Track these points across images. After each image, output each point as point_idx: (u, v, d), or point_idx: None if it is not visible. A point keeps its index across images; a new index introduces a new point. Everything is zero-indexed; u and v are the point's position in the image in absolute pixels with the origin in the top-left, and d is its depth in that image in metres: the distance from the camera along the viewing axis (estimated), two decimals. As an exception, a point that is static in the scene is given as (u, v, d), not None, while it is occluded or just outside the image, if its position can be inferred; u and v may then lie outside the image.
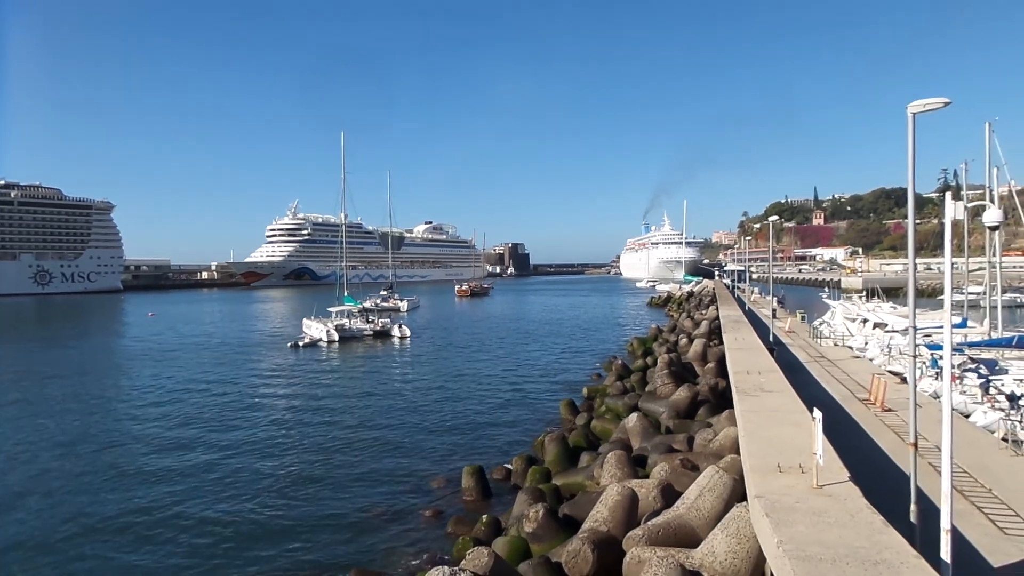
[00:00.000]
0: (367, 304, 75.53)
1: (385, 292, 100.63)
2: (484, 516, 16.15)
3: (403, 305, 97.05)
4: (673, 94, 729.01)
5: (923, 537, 9.43)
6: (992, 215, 9.56)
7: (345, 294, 70.66)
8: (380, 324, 66.63)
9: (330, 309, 67.30)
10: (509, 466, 21.18)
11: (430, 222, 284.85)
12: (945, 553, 8.62)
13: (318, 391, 37.81)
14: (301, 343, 59.42)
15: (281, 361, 50.51)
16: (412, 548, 16.00)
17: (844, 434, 17.62)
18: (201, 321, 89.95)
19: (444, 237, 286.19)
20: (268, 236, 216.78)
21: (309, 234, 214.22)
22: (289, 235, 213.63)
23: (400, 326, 66.58)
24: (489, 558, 10.95)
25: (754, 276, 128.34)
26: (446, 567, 10.15)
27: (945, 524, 8.72)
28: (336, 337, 61.32)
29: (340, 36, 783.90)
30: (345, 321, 65.39)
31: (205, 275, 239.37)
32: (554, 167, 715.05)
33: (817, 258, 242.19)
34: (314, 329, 63.59)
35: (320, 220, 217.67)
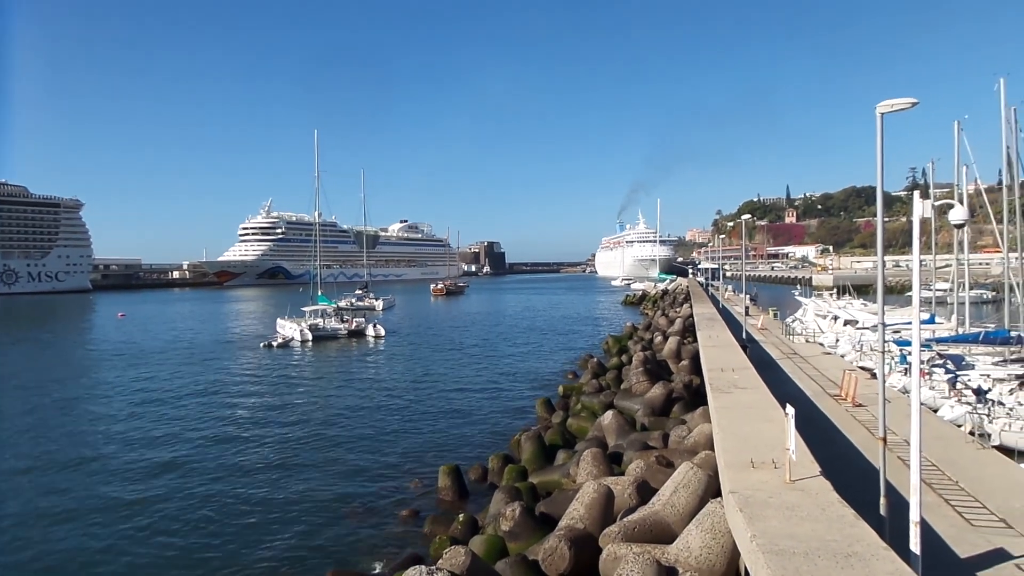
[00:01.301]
0: (342, 303, 74.99)
1: (360, 291, 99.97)
2: (461, 515, 16.14)
3: (378, 304, 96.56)
4: (648, 92, 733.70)
5: (893, 529, 9.60)
6: (958, 213, 9.73)
7: (319, 293, 70.07)
8: (355, 323, 66.23)
9: (304, 309, 66.73)
10: (486, 465, 21.16)
11: (405, 221, 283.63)
12: (914, 545, 8.78)
13: (291, 391, 37.49)
14: (274, 343, 58.85)
15: (254, 361, 50.00)
16: (389, 548, 15.94)
17: (816, 429, 17.87)
18: (172, 321, 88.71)
19: (419, 236, 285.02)
20: (241, 235, 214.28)
21: (283, 233, 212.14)
22: (263, 234, 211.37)
23: (375, 325, 66.24)
24: (466, 557, 10.93)
25: (727, 274, 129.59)
26: (423, 566, 10.13)
27: (914, 516, 8.88)
28: (310, 337, 60.82)
29: (316, 35, 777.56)
30: (319, 321, 64.89)
31: (177, 274, 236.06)
32: (530, 166, 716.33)
33: (789, 256, 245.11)
34: (287, 329, 63.02)
35: (294, 219, 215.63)
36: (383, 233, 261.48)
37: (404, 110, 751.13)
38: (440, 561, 11.02)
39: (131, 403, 34.43)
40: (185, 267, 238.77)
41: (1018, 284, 37.53)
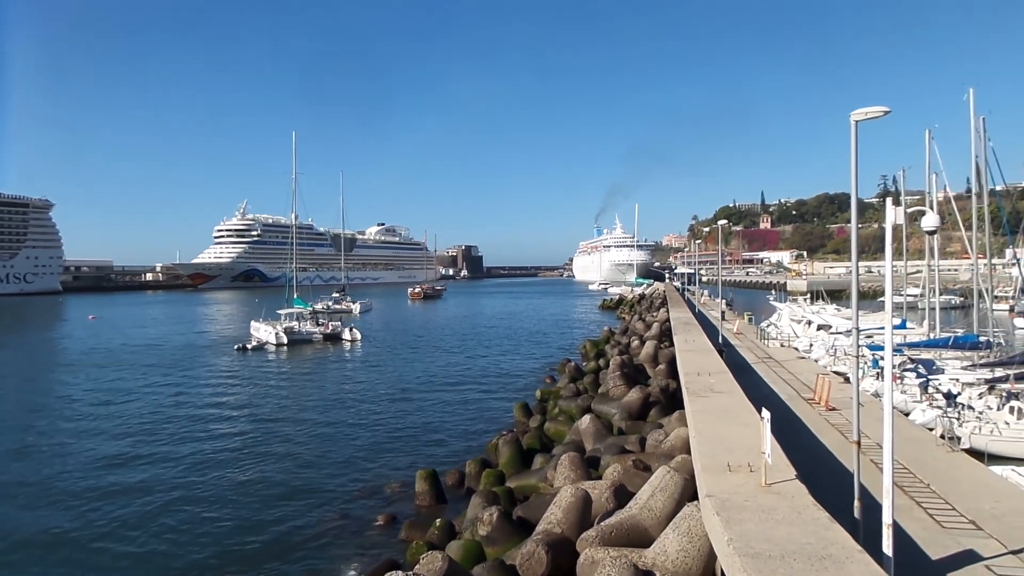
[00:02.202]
0: (319, 306, 74.45)
1: (337, 294, 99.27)
2: (438, 520, 16.06)
3: (355, 307, 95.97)
4: (627, 97, 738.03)
5: (866, 532, 9.72)
6: (930, 220, 9.89)
7: (295, 296, 69.55)
8: (330, 327, 65.77)
9: (279, 311, 66.14)
10: (463, 469, 21.09)
11: (383, 224, 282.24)
12: (887, 547, 8.90)
13: (265, 396, 37.12)
14: (248, 346, 58.24)
15: (227, 365, 49.47)
16: (365, 554, 15.81)
17: (791, 433, 18.05)
18: (145, 324, 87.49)
19: (397, 239, 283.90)
20: (216, 237, 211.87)
21: (259, 235, 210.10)
22: (238, 236, 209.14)
23: (351, 329, 65.83)
24: (443, 562, 10.89)
25: (704, 279, 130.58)
26: (400, 572, 10.07)
27: (887, 519, 9.00)
28: (285, 340, 60.28)
29: (292, 38, 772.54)
30: (294, 324, 64.34)
31: (150, 276, 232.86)
32: (508, 169, 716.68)
33: (764, 261, 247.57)
34: (262, 332, 62.41)
35: (270, 221, 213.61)
36: (360, 236, 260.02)
37: (382, 113, 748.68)
38: (417, 567, 10.96)
39: (97, 409, 33.80)
40: (158, 269, 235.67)
41: (986, 290, 38.28)
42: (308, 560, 15.82)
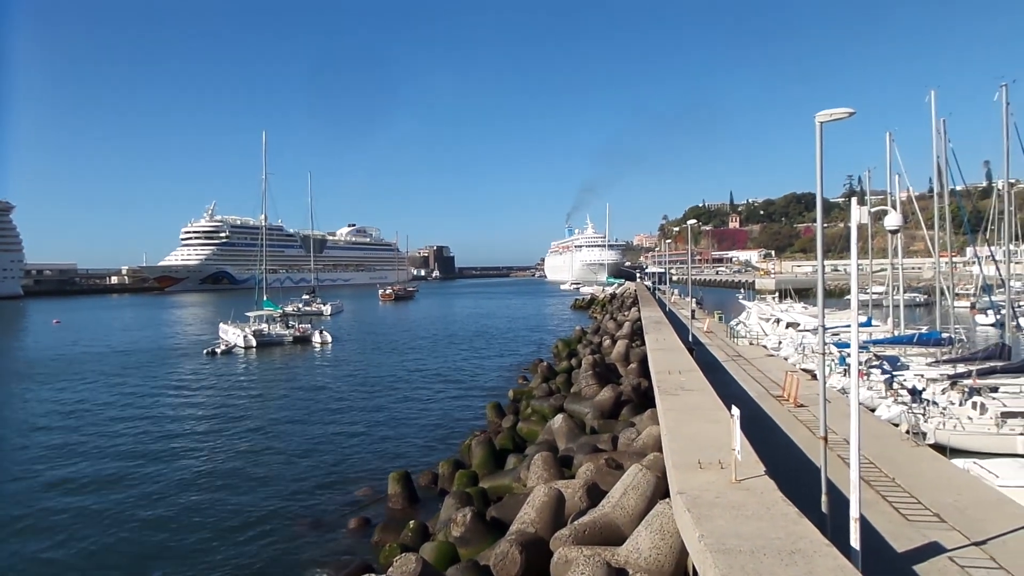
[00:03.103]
0: (289, 309, 73.65)
1: (307, 296, 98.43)
2: (411, 522, 15.99)
3: (326, 309, 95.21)
4: (598, 97, 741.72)
5: (834, 526, 9.89)
6: (893, 219, 10.10)
7: (264, 298, 68.78)
8: (300, 329, 65.16)
9: (248, 314, 65.36)
10: (436, 471, 21.04)
11: (353, 224, 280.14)
12: (854, 540, 9.06)
13: (234, 400, 36.64)
14: (217, 350, 57.42)
15: (195, 369, 48.76)
16: (338, 558, 15.69)
17: (760, 429, 18.30)
18: (111, 328, 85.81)
19: (368, 240, 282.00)
20: (183, 239, 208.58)
21: (227, 236, 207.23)
22: (206, 238, 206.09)
23: (321, 331, 65.30)
24: (417, 564, 10.85)
25: (674, 278, 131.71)
26: (373, 575, 10.02)
27: (854, 513, 9.17)
28: (254, 343, 59.59)
29: (259, 36, 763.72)
30: (264, 326, 63.64)
31: (115, 280, 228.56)
32: (480, 170, 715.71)
33: (733, 260, 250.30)
34: (231, 335, 61.61)
35: (239, 222, 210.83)
36: (331, 237, 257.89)
37: (352, 113, 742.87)
38: (390, 569, 10.92)
39: (60, 416, 33.08)
40: (124, 272, 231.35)
41: (948, 288, 39.15)
42: (279, 566, 15.64)
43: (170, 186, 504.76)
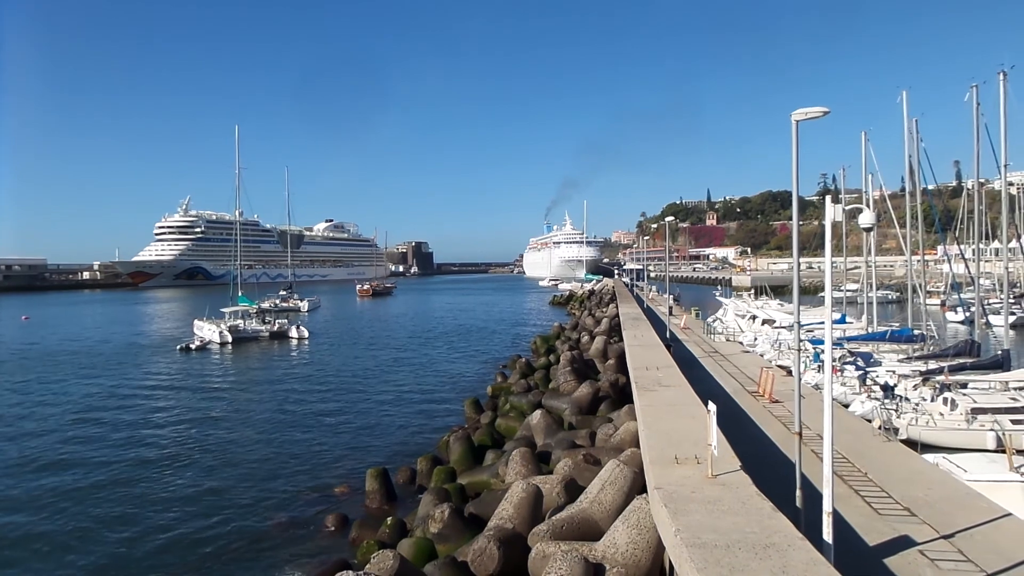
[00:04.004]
0: (265, 305, 73.05)
1: (284, 292, 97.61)
2: (389, 519, 15.98)
3: (303, 305, 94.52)
4: (578, 94, 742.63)
5: (807, 520, 10.01)
6: (866, 217, 10.22)
7: (240, 294, 68.11)
8: (277, 325, 64.66)
9: (224, 310, 64.69)
10: (414, 467, 21.02)
11: (331, 220, 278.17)
12: (827, 534, 9.19)
13: (210, 397, 36.29)
14: (192, 346, 56.78)
15: (169, 365, 48.20)
16: (315, 556, 15.61)
17: (736, 425, 18.46)
18: (82, 324, 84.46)
19: (345, 235, 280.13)
20: (157, 234, 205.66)
21: (202, 232, 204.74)
22: (180, 233, 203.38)
23: (298, 327, 64.85)
24: (394, 561, 10.84)
25: (652, 275, 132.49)
26: (351, 572, 9.98)
27: (827, 507, 9.29)
28: (229, 339, 59.04)
29: (235, 29, 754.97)
30: (240, 322, 63.05)
31: (87, 275, 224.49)
32: (458, 166, 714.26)
33: (710, 257, 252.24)
34: (206, 331, 60.95)
35: (214, 217, 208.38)
36: (308, 232, 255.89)
37: (331, 108, 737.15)
38: (368, 566, 10.89)
39: (29, 412, 32.60)
40: (96, 267, 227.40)
41: (919, 285, 39.78)
42: (256, 564, 15.54)
43: (143, 180, 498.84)
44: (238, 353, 54.91)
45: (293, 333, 63.75)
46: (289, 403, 34.06)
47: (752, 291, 77.78)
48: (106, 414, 31.81)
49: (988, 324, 35.08)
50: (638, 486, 12.14)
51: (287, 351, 56.67)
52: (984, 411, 23.06)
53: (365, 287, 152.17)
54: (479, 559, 11.41)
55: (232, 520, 18.34)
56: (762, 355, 36.74)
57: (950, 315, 57.14)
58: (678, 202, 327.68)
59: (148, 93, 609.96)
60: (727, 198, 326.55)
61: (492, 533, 11.94)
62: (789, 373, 27.88)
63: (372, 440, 26.61)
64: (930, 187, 41.06)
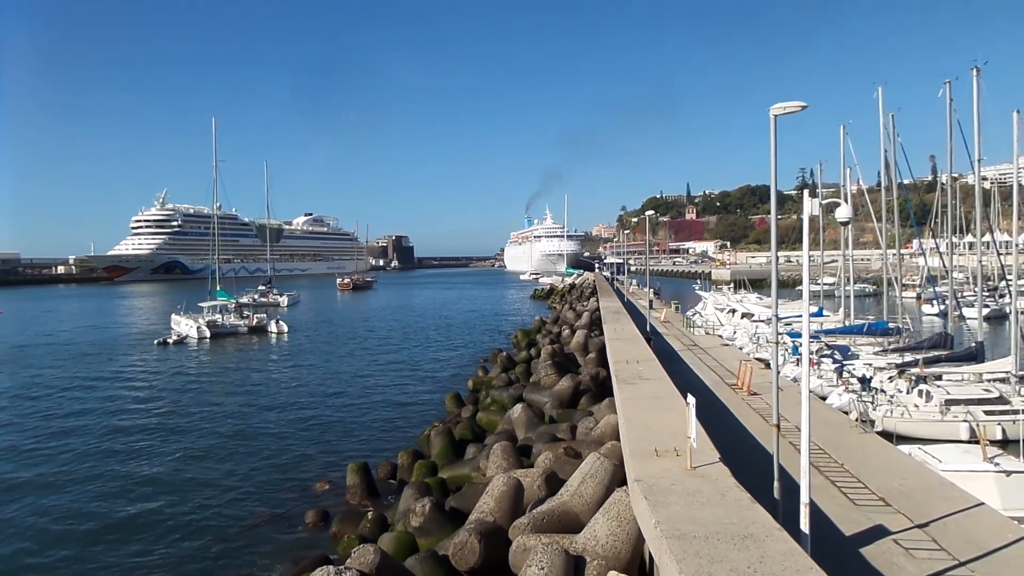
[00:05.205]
0: (244, 299, 72.51)
1: (263, 286, 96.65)
2: (370, 513, 15.94)
3: (282, 300, 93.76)
4: (559, 88, 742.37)
5: (785, 510, 10.14)
6: (843, 211, 10.35)
7: (218, 288, 67.50)
8: (256, 319, 64.16)
9: (201, 304, 64.06)
10: (395, 461, 20.96)
11: (310, 214, 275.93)
12: (804, 524, 9.31)
13: (187, 391, 35.97)
14: (169, 340, 56.24)
15: (146, 360, 47.68)
16: (295, 551, 15.55)
17: (715, 417, 18.63)
18: (57, 319, 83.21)
19: (325, 229, 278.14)
20: (134, 228, 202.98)
21: (179, 225, 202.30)
22: (157, 227, 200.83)
23: (277, 321, 64.40)
24: (375, 555, 10.81)
25: (632, 268, 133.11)
26: (331, 567, 9.95)
27: (804, 498, 9.41)
28: (207, 333, 58.53)
29: (211, 18, 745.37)
30: (218, 316, 62.49)
31: (62, 269, 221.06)
32: (439, 159, 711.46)
33: (690, 251, 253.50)
34: (183, 325, 60.37)
35: (192, 211, 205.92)
36: (287, 226, 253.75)
37: (310, 101, 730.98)
38: (349, 560, 10.86)
39: (5, 409, 32.11)
40: (71, 262, 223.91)
41: (895, 279, 40.28)
42: (236, 559, 15.46)
43: (120, 174, 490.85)
44: (216, 348, 54.45)
45: (272, 328, 63.31)
46: (268, 398, 33.85)
47: (731, 285, 78.42)
48: (80, 408, 31.43)
49: (962, 317, 35.60)
50: (618, 479, 12.20)
51: (266, 346, 56.28)
52: (958, 402, 23.45)
53: (345, 281, 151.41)
54: (460, 552, 11.41)
55: (210, 516, 18.22)
56: (741, 348, 37.08)
57: (926, 308, 57.95)
58: (658, 196, 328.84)
59: (124, 85, 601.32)
60: (707, 192, 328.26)
61: (473, 527, 11.95)
62: (767, 366, 28.16)
63: (352, 435, 26.52)
64: (906, 182, 41.61)
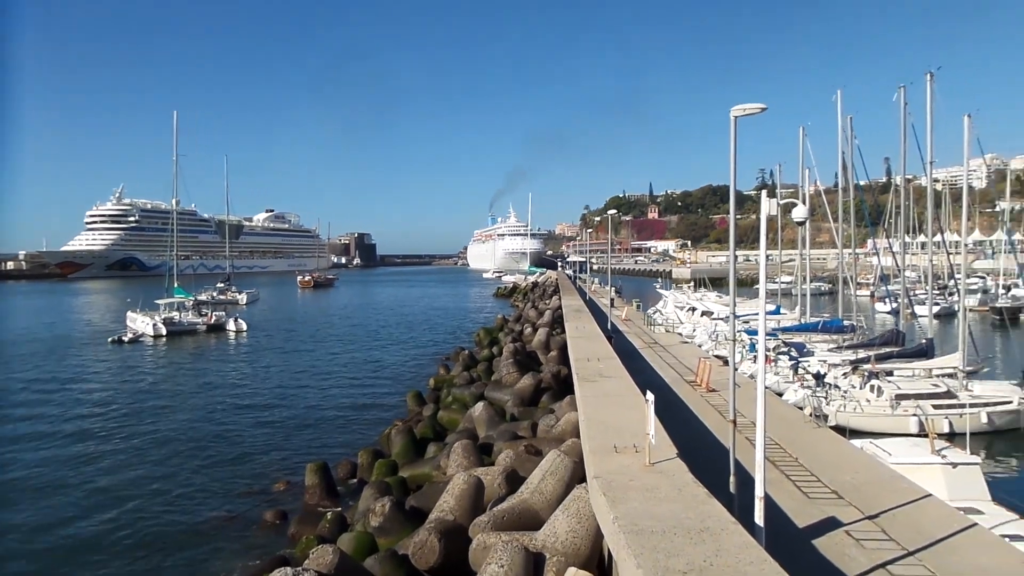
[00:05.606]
0: (202, 296, 71.25)
1: (222, 284, 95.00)
2: (329, 513, 15.79)
3: (242, 298, 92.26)
4: (524, 87, 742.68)
5: (741, 504, 10.29)
6: (799, 211, 10.53)
7: (176, 285, 66.25)
8: (214, 317, 63.05)
9: (158, 301, 62.76)
10: (355, 461, 20.81)
11: (271, 210, 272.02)
12: (759, 518, 9.47)
13: (142, 391, 35.19)
14: (124, 338, 54.98)
15: (100, 358, 46.54)
16: (253, 553, 15.34)
17: (674, 414, 18.85)
18: (6, 315, 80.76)
19: (286, 226, 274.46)
20: (88, 223, 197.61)
21: (137, 221, 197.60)
22: (113, 222, 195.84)
23: (236, 319, 63.43)
24: (334, 555, 10.71)
25: (594, 267, 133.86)
26: (289, 568, 9.83)
27: (759, 492, 9.57)
28: (164, 331, 57.38)
29: (170, 11, 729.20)
30: (175, 314, 61.32)
31: (11, 265, 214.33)
32: (403, 157, 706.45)
33: (652, 250, 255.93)
34: (139, 323, 59.10)
35: (149, 206, 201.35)
36: (247, 223, 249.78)
37: (273, 96, 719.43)
38: (307, 561, 10.74)
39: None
40: (21, 257, 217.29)
41: (850, 277, 41.23)
42: (192, 562, 15.20)
43: (74, 168, 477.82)
44: (173, 346, 53.38)
45: (231, 326, 62.33)
46: (226, 397, 33.28)
47: (692, 283, 79.46)
48: (27, 413, 30.39)
49: (913, 314, 36.59)
50: (578, 476, 12.26)
51: (224, 344, 55.35)
52: (908, 397, 24.11)
53: (306, 278, 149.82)
54: (420, 552, 11.36)
55: (166, 518, 17.87)
56: (700, 346, 37.58)
57: (879, 306, 59.43)
58: (622, 195, 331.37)
59: (81, 78, 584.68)
60: (669, 192, 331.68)
61: (433, 525, 11.91)
62: (726, 363, 28.58)
63: (312, 434, 26.23)
64: (862, 183, 42.61)
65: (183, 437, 26.00)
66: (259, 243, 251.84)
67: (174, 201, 74.75)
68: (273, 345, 53.35)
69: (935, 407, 23.67)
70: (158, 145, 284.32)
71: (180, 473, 21.67)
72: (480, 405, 22.48)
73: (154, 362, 46.24)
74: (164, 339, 56.24)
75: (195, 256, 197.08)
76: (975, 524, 11.43)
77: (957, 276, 35.57)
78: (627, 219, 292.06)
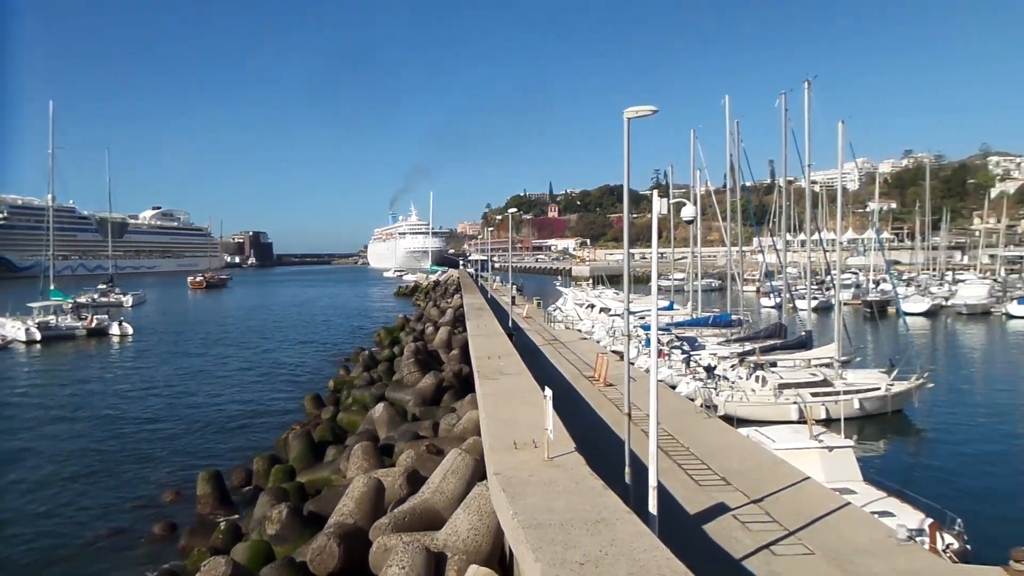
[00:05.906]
0: (82, 299, 66.93)
1: (104, 285, 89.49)
2: (222, 523, 15.21)
3: (127, 300, 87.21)
4: (423, 84, 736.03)
5: (636, 494, 10.66)
6: (688, 211, 11.00)
7: (51, 287, 61.85)
8: (95, 321, 59.31)
9: (31, 305, 58.42)
10: (250, 467, 20.11)
11: (159, 207, 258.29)
12: (652, 507, 9.83)
13: (13, 403, 32.67)
14: (-9, 346, 50.93)
15: (-34, 368, 42.93)
16: (140, 568, 14.56)
17: (573, 409, 19.27)
18: None
19: (175, 224, 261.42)
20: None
21: (5, 218, 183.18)
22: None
23: (120, 323, 59.87)
24: (227, 567, 10.38)
25: (496, 265, 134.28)
26: (177, 582, 9.44)
27: (652, 482, 9.94)
28: (38, 336, 53.55)
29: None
30: (51, 318, 57.32)
31: None
32: (299, 153, 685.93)
33: (552, 248, 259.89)
34: (9, 328, 54.85)
35: (20, 202, 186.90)
36: (133, 220, 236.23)
37: (160, 85, 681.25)
38: (198, 574, 10.34)
39: None
40: None
41: (738, 274, 43.27)
42: (70, 581, 14.27)
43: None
44: (48, 353, 49.89)
45: (114, 330, 58.77)
46: (109, 407, 31.38)
47: (590, 281, 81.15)
48: None
49: (795, 308, 38.82)
50: (480, 473, 12.35)
51: (107, 350, 52.23)
52: (789, 386, 25.57)
53: (198, 279, 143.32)
54: (319, 558, 11.13)
55: (46, 537, 16.69)
56: (599, 342, 38.51)
57: (764, 301, 62.68)
58: (522, 194, 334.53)
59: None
60: (568, 191, 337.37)
61: (332, 530, 11.70)
62: (622, 358, 29.40)
63: (204, 442, 25.16)
64: (748, 184, 44.76)
65: (62, 451, 24.32)
66: (146, 242, 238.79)
67: (49, 197, 69.76)
68: (162, 349, 50.75)
69: (813, 395, 25.21)
70: (30, 136, 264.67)
71: (60, 489, 20.25)
72: (380, 406, 22.23)
73: (27, 371, 43.12)
74: (38, 345, 52.47)
75: (74, 256, 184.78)
76: (848, 503, 12.29)
77: (833, 272, 37.98)
78: (528, 218, 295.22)
